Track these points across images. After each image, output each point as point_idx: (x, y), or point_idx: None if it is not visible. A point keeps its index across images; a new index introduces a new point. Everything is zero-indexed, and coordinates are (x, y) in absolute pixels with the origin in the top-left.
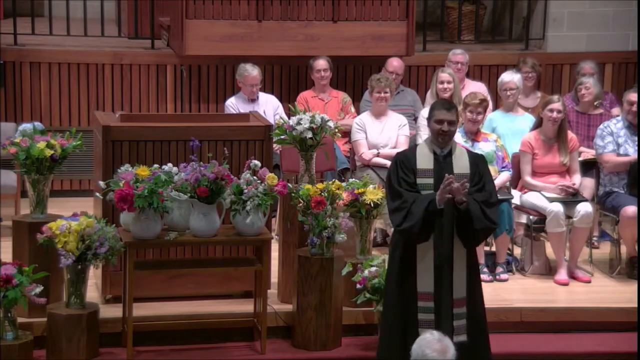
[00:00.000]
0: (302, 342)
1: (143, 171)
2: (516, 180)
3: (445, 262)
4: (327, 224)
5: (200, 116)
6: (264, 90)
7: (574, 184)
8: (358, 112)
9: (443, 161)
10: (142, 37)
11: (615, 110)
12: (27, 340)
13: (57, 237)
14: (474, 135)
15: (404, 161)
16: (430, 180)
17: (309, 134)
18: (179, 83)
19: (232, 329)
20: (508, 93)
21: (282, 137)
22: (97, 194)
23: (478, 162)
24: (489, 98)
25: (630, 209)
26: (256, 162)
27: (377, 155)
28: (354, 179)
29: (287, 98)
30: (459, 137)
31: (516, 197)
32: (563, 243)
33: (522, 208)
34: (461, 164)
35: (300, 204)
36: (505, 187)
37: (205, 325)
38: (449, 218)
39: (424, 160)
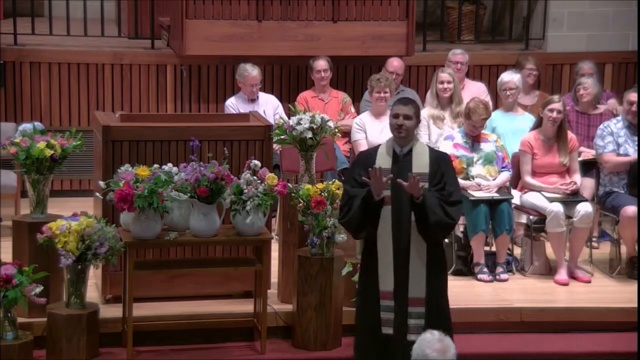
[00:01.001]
0: (302, 342)
1: (143, 171)
2: (516, 180)
3: (402, 261)
4: (327, 224)
5: (200, 116)
6: (264, 90)
7: (573, 182)
8: (358, 112)
9: (402, 160)
10: (142, 37)
11: (611, 102)
12: (27, 340)
13: (57, 237)
14: (473, 135)
15: (363, 160)
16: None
17: (309, 134)
18: (179, 83)
19: (232, 329)
20: (508, 93)
21: (282, 137)
22: (97, 194)
23: (439, 162)
24: (490, 106)
25: (630, 209)
26: (256, 162)
27: None
28: None
29: (287, 98)
30: (459, 138)
31: (516, 197)
32: (563, 243)
33: (522, 208)
34: (421, 163)
35: (300, 204)
36: (505, 187)
37: (205, 325)
38: (406, 216)
39: (383, 159)
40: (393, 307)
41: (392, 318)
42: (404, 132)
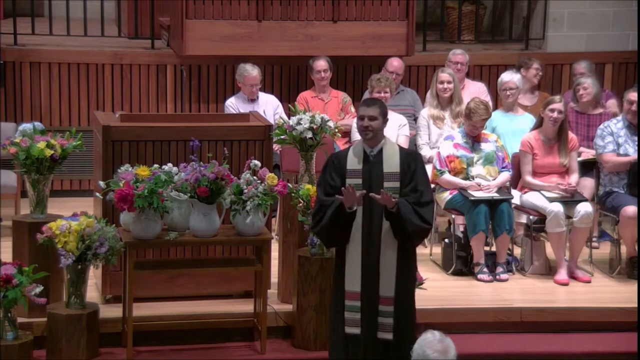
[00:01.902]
0: (302, 342)
1: (143, 171)
2: (516, 180)
3: (372, 261)
4: None
5: (200, 116)
6: (264, 90)
7: (569, 184)
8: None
9: (373, 160)
10: (142, 37)
11: (610, 103)
12: (27, 340)
13: (57, 237)
14: (474, 135)
15: (335, 163)
16: (359, 181)
17: (309, 134)
18: (179, 83)
19: (232, 329)
20: (508, 93)
21: (282, 137)
22: (97, 194)
23: (409, 161)
24: (490, 106)
25: (630, 209)
26: (256, 162)
27: None
28: None
29: (287, 98)
30: (459, 137)
31: (516, 197)
32: (563, 243)
33: (522, 208)
34: (391, 163)
35: (300, 204)
36: (505, 187)
37: (205, 325)
38: (378, 217)
39: (354, 160)
40: (359, 307)
41: (357, 318)
42: (370, 134)
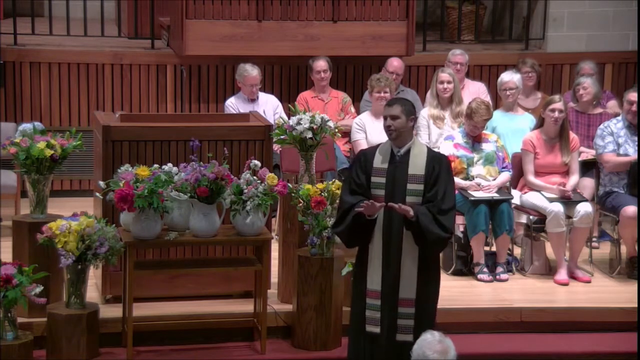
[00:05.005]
0: (302, 342)
1: (143, 171)
2: (516, 180)
3: (393, 262)
4: (327, 224)
5: (200, 116)
6: (264, 90)
7: (568, 191)
8: (358, 112)
9: (399, 161)
10: (142, 37)
11: (611, 104)
12: (27, 340)
13: (57, 237)
14: (474, 135)
15: (362, 160)
16: (383, 180)
17: (309, 134)
18: (179, 83)
19: (232, 329)
20: (508, 93)
21: (282, 137)
22: (97, 194)
23: (434, 164)
24: (491, 107)
25: (630, 209)
26: (256, 162)
27: None
28: None
29: (287, 98)
30: (459, 137)
31: (516, 197)
32: (563, 243)
33: (522, 208)
34: (417, 165)
35: (300, 204)
36: (505, 187)
37: (205, 325)
38: (398, 217)
39: (380, 159)
40: (379, 306)
41: (377, 317)
42: (394, 133)
